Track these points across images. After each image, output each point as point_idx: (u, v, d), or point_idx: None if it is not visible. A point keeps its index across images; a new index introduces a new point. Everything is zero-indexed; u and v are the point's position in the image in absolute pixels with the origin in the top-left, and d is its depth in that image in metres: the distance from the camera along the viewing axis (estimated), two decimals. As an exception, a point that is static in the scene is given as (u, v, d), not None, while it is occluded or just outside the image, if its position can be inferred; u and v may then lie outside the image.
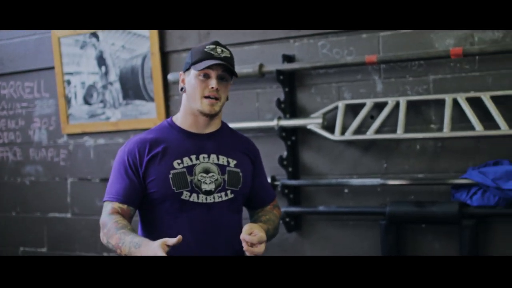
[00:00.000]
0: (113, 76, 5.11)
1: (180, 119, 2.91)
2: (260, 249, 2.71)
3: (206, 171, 2.83)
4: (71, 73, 5.30)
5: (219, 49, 2.81)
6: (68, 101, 5.33)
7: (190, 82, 2.82)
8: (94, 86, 5.21)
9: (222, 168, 2.87)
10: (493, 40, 3.96)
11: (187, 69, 2.85)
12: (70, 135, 5.38)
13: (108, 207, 2.83)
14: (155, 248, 2.52)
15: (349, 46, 4.31)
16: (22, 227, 5.68)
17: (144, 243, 2.60)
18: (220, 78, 2.80)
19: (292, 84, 4.46)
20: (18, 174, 5.67)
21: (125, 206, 2.82)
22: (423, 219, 4.04)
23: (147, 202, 2.85)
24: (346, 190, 4.36)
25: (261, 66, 4.45)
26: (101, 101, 5.20)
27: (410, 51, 4.09)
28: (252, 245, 2.68)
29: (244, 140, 3.06)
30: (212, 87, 2.77)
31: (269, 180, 4.41)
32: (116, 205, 2.81)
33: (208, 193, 2.82)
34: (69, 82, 5.31)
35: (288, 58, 4.46)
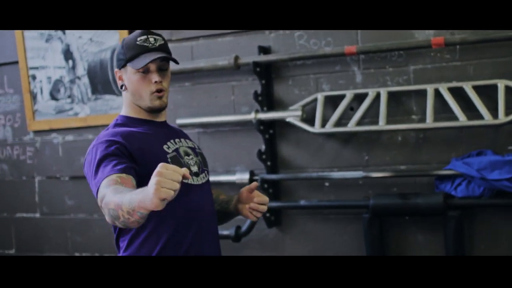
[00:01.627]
0: (81, 70, 4.96)
1: (133, 113, 2.73)
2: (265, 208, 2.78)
3: (187, 153, 2.73)
4: (36, 68, 5.13)
5: (151, 39, 2.64)
6: (33, 96, 5.17)
7: (131, 80, 2.65)
8: (61, 80, 5.05)
9: (193, 150, 2.79)
10: (474, 30, 3.90)
11: (123, 66, 2.67)
12: (37, 132, 5.21)
13: (104, 183, 2.41)
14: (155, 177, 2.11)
15: (327, 36, 4.23)
16: (-11, 229, 5.52)
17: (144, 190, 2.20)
18: (159, 69, 2.65)
19: (269, 76, 4.36)
20: (-18, 173, 5.50)
21: (124, 175, 2.44)
22: (408, 211, 3.99)
23: None
24: (326, 184, 4.28)
25: (236, 58, 4.34)
26: (69, 96, 5.04)
27: (390, 42, 4.02)
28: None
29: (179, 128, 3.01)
30: (156, 81, 2.63)
31: (247, 175, 4.33)
32: (114, 176, 2.42)
33: (196, 174, 2.70)
34: (34, 77, 5.14)
35: (264, 50, 4.36)
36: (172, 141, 2.73)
